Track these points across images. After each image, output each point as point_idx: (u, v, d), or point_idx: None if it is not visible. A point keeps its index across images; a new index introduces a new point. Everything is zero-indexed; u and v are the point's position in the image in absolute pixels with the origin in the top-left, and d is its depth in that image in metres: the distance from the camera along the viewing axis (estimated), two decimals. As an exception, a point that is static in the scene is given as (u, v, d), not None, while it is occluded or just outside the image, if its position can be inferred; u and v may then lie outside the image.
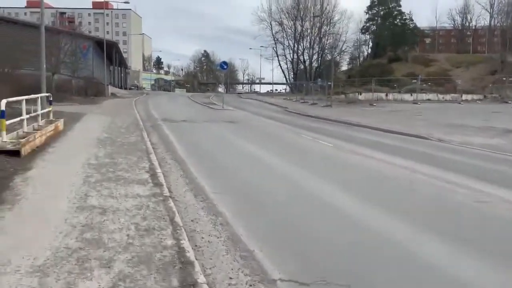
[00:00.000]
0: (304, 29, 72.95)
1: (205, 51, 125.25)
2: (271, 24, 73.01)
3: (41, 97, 12.55)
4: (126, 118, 17.78)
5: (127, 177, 6.81)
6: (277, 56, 75.03)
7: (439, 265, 3.93)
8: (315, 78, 65.88)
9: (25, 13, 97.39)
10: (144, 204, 5.29)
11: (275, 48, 74.12)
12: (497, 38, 74.24)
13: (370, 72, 58.52)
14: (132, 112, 21.77)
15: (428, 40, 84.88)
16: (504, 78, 40.74)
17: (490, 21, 77.55)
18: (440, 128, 17.50)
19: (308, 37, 73.62)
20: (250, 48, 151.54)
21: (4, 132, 7.64)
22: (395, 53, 68.13)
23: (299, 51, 74.26)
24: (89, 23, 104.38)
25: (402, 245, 4.45)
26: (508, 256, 4.22)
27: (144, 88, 76.71)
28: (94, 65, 43.51)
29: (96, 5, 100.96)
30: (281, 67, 76.59)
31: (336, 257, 4.16)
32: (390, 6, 70.15)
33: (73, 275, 3.24)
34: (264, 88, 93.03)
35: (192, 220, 5.06)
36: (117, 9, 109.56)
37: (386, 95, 36.92)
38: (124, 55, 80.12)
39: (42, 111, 11.02)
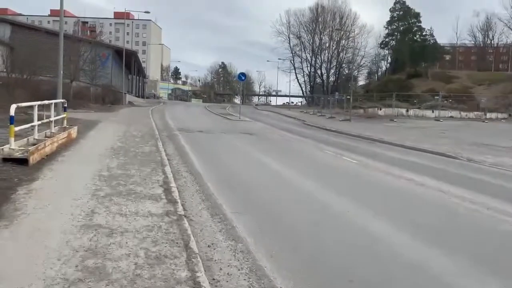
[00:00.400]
0: (322, 42, 72.63)
1: (222, 62, 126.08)
2: (289, 37, 72.98)
3: (56, 103, 12.26)
4: (141, 127, 17.41)
5: (139, 191, 6.28)
6: (294, 69, 74.73)
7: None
8: (332, 92, 65.21)
9: (48, 22, 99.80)
10: (156, 224, 4.72)
11: (292, 61, 73.90)
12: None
13: (389, 87, 57.52)
14: (148, 121, 21.45)
15: (447, 57, 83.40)
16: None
17: (513, 39, 75.94)
18: (467, 147, 16.65)
19: (326, 51, 73.23)
20: (268, 61, 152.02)
21: (12, 139, 7.22)
22: (415, 69, 67.04)
23: (316, 65, 73.86)
24: (110, 32, 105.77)
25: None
26: None
27: (161, 97, 77.11)
28: (113, 74, 43.77)
29: (117, 15, 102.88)
30: (298, 80, 76.28)
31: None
32: (410, 21, 69.31)
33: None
34: (280, 101, 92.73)
35: (209, 246, 4.46)
36: (138, 19, 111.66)
37: (407, 111, 35.98)
38: (143, 65, 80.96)
39: (56, 117, 10.64)
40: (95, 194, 5.86)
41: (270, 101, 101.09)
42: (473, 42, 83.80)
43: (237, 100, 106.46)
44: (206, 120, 27.26)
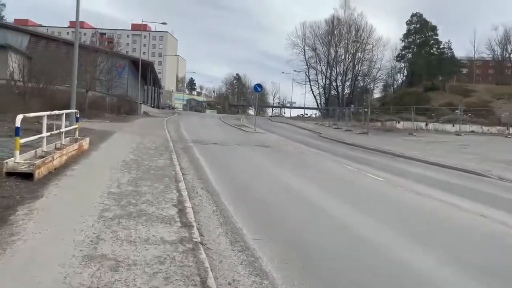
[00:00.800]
0: (338, 55, 72.08)
1: (237, 74, 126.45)
2: (304, 49, 72.61)
3: (69, 113, 11.88)
4: (156, 138, 16.97)
5: (151, 212, 5.70)
6: (309, 81, 74.25)
7: None
8: (347, 104, 64.39)
9: (68, 33, 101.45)
10: (168, 255, 4.12)
11: (307, 73, 73.45)
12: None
13: (406, 100, 56.47)
14: (162, 132, 21.04)
15: (464, 70, 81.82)
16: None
17: (533, 53, 74.31)
18: (494, 163, 15.76)
19: (341, 63, 72.63)
20: (283, 72, 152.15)
21: (17, 152, 6.74)
22: (431, 82, 65.89)
23: (332, 77, 73.24)
24: (127, 44, 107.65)
25: None
26: None
27: (176, 108, 77.31)
28: (129, 84, 43.87)
29: (135, 27, 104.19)
30: (312, 92, 75.70)
31: None
32: (427, 34, 68.41)
33: None
34: (294, 112, 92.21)
35: (229, 284, 3.84)
36: (155, 31, 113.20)
37: (426, 124, 34.94)
38: (159, 75, 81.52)
39: (67, 128, 10.21)
40: (103, 216, 5.30)
41: (284, 113, 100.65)
42: (491, 56, 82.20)
43: (251, 111, 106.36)
44: (221, 132, 26.78)
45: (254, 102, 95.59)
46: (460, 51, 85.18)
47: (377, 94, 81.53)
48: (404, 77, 76.63)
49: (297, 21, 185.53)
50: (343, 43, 71.39)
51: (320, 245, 5.26)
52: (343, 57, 72.34)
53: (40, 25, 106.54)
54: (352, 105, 58.13)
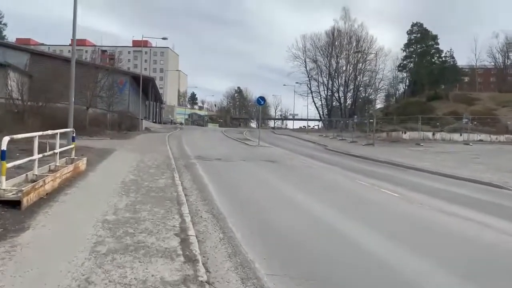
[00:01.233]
0: (339, 66, 71.86)
1: (238, 87, 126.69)
2: (305, 61, 72.56)
3: (65, 132, 11.31)
4: (157, 155, 16.37)
5: (150, 244, 5.06)
6: (311, 93, 73.94)
7: None
8: (349, 115, 63.88)
9: (69, 51, 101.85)
10: (170, 302, 3.47)
11: (309, 85, 73.19)
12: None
13: (409, 110, 55.93)
14: (164, 148, 20.45)
15: (466, 79, 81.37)
16: None
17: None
18: (509, 174, 15.06)
19: (343, 74, 72.37)
20: (284, 85, 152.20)
21: (3, 177, 6.13)
22: (434, 91, 65.42)
23: (334, 88, 72.91)
24: (129, 60, 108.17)
25: None
26: None
27: (179, 123, 76.95)
28: (130, 100, 43.55)
29: (135, 43, 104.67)
30: (314, 103, 75.36)
31: None
32: (428, 44, 68.25)
33: None
34: (296, 124, 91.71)
35: None
36: (156, 47, 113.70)
37: (433, 134, 34.30)
38: (160, 91, 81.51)
39: (61, 148, 9.61)
40: (95, 251, 4.66)
41: (287, 125, 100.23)
42: (493, 64, 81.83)
43: (253, 124, 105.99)
44: (224, 146, 26.18)
45: (256, 114, 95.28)
46: (461, 60, 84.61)
47: (379, 104, 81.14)
48: (406, 87, 76.23)
49: (298, 33, 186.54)
50: (344, 54, 71.31)
51: (347, 281, 4.58)
52: (344, 68, 72.21)
53: (42, 44, 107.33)
54: (355, 116, 57.61)
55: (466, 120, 33.74)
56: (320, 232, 6.57)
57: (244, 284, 4.29)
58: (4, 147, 5.93)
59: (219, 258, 5.06)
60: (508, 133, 35.15)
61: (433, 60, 68.42)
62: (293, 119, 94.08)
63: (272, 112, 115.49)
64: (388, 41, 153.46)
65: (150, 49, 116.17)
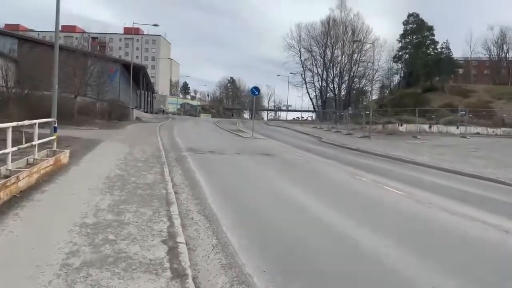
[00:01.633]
0: (334, 56, 71.01)
1: (231, 77, 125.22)
2: (300, 51, 71.56)
3: (44, 123, 10.51)
4: (147, 147, 15.61)
5: (133, 254, 4.38)
6: (305, 83, 73.15)
7: None
8: (344, 106, 63.30)
9: (59, 37, 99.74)
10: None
11: (303, 75, 72.36)
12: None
13: (404, 101, 55.46)
14: (154, 139, 19.67)
15: (460, 71, 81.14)
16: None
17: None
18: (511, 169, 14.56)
19: (338, 65, 71.56)
20: (278, 75, 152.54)
21: (-34, 175, 5.38)
22: (430, 83, 65.02)
23: (328, 79, 72.15)
24: (120, 48, 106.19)
25: None
26: None
27: (170, 113, 75.83)
28: (121, 88, 42.48)
29: (127, 31, 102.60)
30: (309, 94, 74.65)
31: None
32: (424, 35, 67.60)
33: None
34: (290, 116, 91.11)
35: None
36: (148, 34, 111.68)
37: (430, 126, 33.85)
38: (152, 80, 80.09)
39: (40, 140, 8.83)
40: (66, 265, 3.96)
41: (280, 116, 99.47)
42: (488, 56, 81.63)
43: (246, 115, 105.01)
44: (217, 138, 25.44)
45: (249, 105, 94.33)
46: (456, 52, 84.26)
47: (374, 96, 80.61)
48: (401, 78, 75.70)
49: (293, 24, 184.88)
50: (340, 44, 70.37)
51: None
52: (339, 58, 71.31)
53: (32, 30, 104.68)
54: (350, 107, 57.05)
55: (463, 112, 33.28)
56: (323, 237, 5.92)
57: (242, 307, 3.63)
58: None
59: (212, 271, 4.40)
60: (504, 126, 34.85)
61: (429, 51, 67.88)
62: (287, 110, 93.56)
63: (265, 103, 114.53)
64: (384, 32, 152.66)
65: (142, 37, 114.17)
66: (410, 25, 69.05)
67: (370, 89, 72.50)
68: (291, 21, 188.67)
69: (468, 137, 29.64)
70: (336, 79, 71.71)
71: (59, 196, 6.82)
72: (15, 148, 7.16)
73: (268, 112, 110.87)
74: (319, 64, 71.86)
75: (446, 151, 21.05)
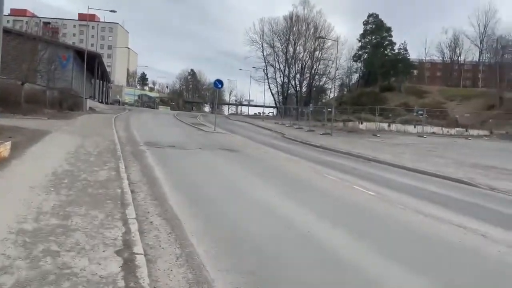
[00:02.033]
0: (296, 53, 71.25)
1: (192, 69, 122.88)
2: (262, 46, 71.16)
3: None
4: (100, 140, 14.48)
5: (80, 271, 3.62)
6: (267, 79, 72.88)
7: None
8: (305, 103, 63.73)
9: (8, 21, 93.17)
10: None
11: (265, 71, 72.07)
12: (485, 74, 74.17)
13: (363, 100, 56.74)
14: (109, 132, 18.44)
15: (415, 72, 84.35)
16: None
17: (479, 57, 77.76)
18: (471, 169, 14.87)
19: (299, 62, 71.89)
20: (240, 69, 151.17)
21: None
22: (388, 83, 66.94)
23: (290, 75, 72.33)
24: (74, 34, 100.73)
25: None
26: None
27: (126, 104, 73.00)
28: (74, 77, 40.09)
29: (82, 17, 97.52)
30: (270, 90, 74.44)
31: None
32: (382, 35, 69.40)
33: None
34: (252, 111, 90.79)
35: None
36: (104, 22, 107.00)
37: (389, 125, 34.56)
38: (108, 69, 76.68)
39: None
40: (-9, 288, 3.16)
41: (241, 111, 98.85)
42: (441, 58, 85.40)
43: (207, 108, 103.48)
44: (177, 132, 24.42)
45: (210, 98, 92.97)
46: (413, 53, 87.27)
47: (333, 94, 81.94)
48: (359, 77, 77.33)
49: (256, 18, 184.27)
50: (302, 40, 70.67)
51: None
52: (301, 55, 71.63)
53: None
54: (311, 104, 57.39)
55: (421, 112, 34.24)
56: (296, 244, 5.39)
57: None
58: None
59: (176, 289, 3.73)
60: (458, 126, 36.24)
61: (386, 52, 69.77)
62: (249, 105, 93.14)
63: (226, 97, 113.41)
64: (344, 31, 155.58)
65: (98, 24, 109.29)
66: (370, 25, 70.55)
67: (330, 87, 73.93)
68: (257, 15, 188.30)
69: (425, 136, 30.46)
70: (298, 76, 72.05)
71: (-7, 196, 5.84)
72: None
73: (230, 106, 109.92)
74: (281, 60, 71.90)
75: (406, 150, 21.36)
